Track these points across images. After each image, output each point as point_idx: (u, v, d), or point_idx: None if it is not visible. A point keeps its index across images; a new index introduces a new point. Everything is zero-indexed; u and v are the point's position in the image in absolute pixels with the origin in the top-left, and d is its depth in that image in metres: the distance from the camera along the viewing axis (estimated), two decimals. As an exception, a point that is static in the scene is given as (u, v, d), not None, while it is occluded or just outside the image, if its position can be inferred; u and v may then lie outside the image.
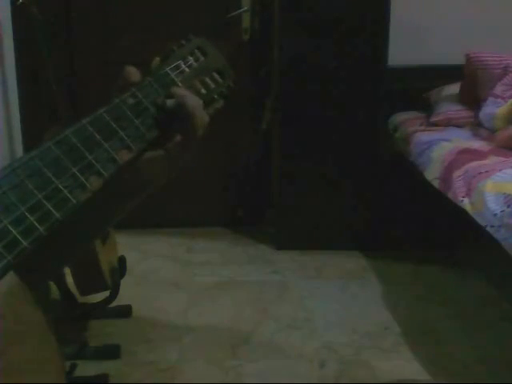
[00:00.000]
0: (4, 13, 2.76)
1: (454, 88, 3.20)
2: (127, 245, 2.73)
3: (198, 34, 0.74)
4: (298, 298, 2.71)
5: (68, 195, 0.52)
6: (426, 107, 3.26)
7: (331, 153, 3.09)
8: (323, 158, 3.09)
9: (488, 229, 2.08)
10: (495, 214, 2.05)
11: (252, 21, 3.20)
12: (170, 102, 0.64)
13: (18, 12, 2.75)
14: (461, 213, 2.31)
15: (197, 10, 3.14)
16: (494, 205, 2.08)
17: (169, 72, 0.68)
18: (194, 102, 0.65)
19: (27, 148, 2.81)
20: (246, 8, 3.13)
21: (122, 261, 2.37)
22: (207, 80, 0.72)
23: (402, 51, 3.19)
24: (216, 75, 0.73)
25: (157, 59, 0.69)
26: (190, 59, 0.72)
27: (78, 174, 0.54)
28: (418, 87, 3.30)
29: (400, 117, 3.30)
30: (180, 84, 0.69)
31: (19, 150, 2.83)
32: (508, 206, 2.02)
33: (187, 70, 0.71)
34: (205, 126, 0.65)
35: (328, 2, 2.92)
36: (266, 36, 3.19)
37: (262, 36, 3.22)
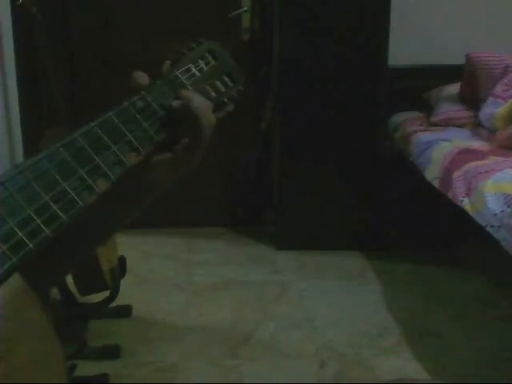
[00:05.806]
0: (4, 13, 2.76)
1: (454, 88, 3.20)
2: (127, 245, 2.72)
3: (207, 37, 0.74)
4: (297, 297, 2.71)
5: (75, 197, 0.52)
6: (426, 107, 3.26)
7: (331, 153, 3.08)
8: (323, 158, 3.08)
9: (488, 229, 2.08)
10: (495, 214, 2.05)
11: (252, 21, 3.19)
12: (176, 103, 0.64)
13: (17, 12, 2.75)
14: (461, 213, 2.31)
15: (197, 10, 3.14)
16: (494, 205, 2.08)
17: (179, 75, 0.68)
18: (200, 103, 0.65)
19: (27, 148, 2.80)
20: (245, 8, 3.13)
21: (121, 261, 2.36)
22: (217, 83, 0.72)
23: (402, 51, 3.19)
24: (226, 79, 0.73)
25: (167, 63, 0.69)
26: (201, 63, 0.71)
27: (85, 176, 0.54)
28: (418, 87, 3.29)
29: (400, 117, 3.30)
30: (190, 87, 0.68)
31: (19, 150, 2.82)
32: (508, 206, 2.02)
33: (197, 73, 0.70)
34: (211, 128, 0.65)
35: (328, 2, 2.92)
36: (266, 36, 3.18)
37: (262, 36, 3.22)
